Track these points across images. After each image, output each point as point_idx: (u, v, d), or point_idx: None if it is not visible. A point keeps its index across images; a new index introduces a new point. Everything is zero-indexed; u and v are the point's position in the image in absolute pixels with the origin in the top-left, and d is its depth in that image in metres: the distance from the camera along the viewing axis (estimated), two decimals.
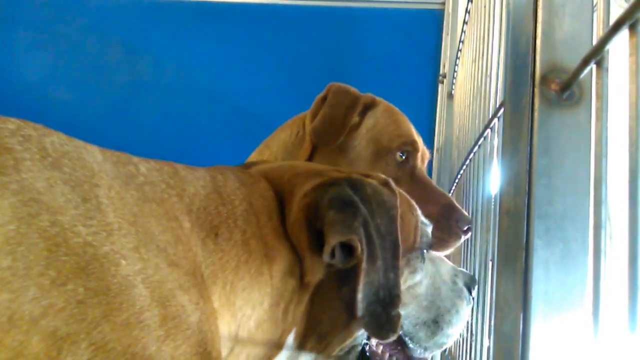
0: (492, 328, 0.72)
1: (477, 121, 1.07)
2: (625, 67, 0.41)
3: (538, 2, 0.54)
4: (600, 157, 0.44)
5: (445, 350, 1.32)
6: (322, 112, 1.04)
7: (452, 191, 1.55)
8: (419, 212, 0.81)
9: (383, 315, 0.64)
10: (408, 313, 0.79)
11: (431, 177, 2.09)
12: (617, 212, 0.96)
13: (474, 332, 0.97)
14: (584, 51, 0.47)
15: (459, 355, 1.16)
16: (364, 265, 0.62)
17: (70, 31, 2.24)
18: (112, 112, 2.18)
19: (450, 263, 0.90)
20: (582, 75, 0.48)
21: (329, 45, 2.20)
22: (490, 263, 0.88)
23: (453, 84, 1.80)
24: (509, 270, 0.56)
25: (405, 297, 0.75)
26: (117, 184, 0.52)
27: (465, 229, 0.96)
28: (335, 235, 0.61)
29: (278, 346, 0.67)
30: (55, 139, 0.52)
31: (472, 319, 1.01)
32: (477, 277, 0.98)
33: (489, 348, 0.85)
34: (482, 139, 0.98)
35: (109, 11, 2.24)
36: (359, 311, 0.62)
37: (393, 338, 0.66)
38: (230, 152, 2.16)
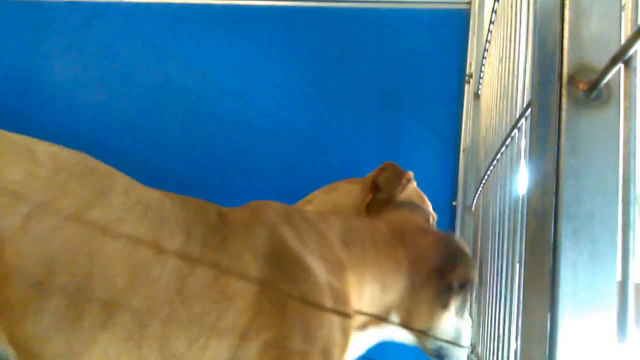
0: (519, 330, 0.71)
1: (504, 121, 1.06)
2: None
3: (565, 2, 0.54)
4: (629, 156, 0.44)
5: (472, 351, 1.31)
6: (386, 174, 1.54)
7: (479, 191, 1.54)
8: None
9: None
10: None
11: (457, 178, 2.08)
12: None
13: (501, 333, 0.97)
14: (612, 51, 0.47)
15: (486, 357, 1.15)
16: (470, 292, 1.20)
17: (100, 36, 2.28)
18: (141, 114, 2.22)
19: None
20: (610, 75, 0.48)
21: (355, 47, 2.20)
22: (517, 265, 0.87)
23: (479, 83, 1.78)
24: (536, 271, 0.56)
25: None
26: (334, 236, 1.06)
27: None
28: (462, 277, 1.12)
29: (385, 315, 1.09)
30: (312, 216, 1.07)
31: (499, 321, 1.00)
32: (504, 278, 0.97)
33: (515, 350, 0.85)
34: (509, 139, 0.97)
35: (137, 16, 2.28)
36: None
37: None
38: (256, 153, 2.18)
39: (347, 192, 1.55)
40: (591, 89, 0.50)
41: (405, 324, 1.12)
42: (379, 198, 1.48)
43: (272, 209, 0.99)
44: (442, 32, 2.17)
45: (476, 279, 1.13)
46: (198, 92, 2.23)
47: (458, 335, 1.20)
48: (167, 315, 0.80)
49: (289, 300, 0.86)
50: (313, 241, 0.98)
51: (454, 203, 2.05)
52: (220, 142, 2.19)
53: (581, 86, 0.51)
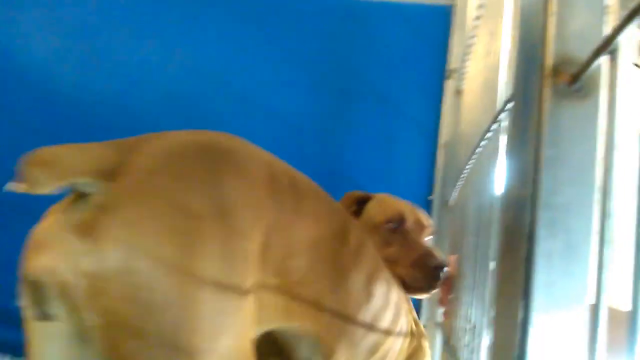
0: (493, 319, 0.72)
1: (485, 116, 1.07)
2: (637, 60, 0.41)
3: None
4: (610, 148, 0.44)
5: (445, 341, 1.32)
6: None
7: (458, 187, 1.55)
8: None
9: None
10: None
11: (435, 173, 2.09)
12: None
13: (473, 325, 0.98)
14: (596, 43, 0.47)
15: (458, 348, 1.16)
16: None
17: (76, 11, 2.22)
18: (117, 94, 2.17)
19: None
20: (592, 67, 0.48)
21: (338, 38, 2.18)
22: (491, 256, 0.88)
23: (462, 79, 1.79)
24: (510, 261, 0.57)
25: None
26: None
27: (440, 272, 1.19)
28: None
29: None
30: None
31: (473, 310, 1.01)
32: (478, 271, 0.98)
33: (489, 340, 0.86)
34: (490, 132, 0.98)
35: None
36: None
37: None
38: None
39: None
40: (573, 81, 0.51)
41: None
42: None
43: None
44: (425, 27, 2.17)
45: None
46: (177, 75, 2.20)
47: None
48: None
49: None
50: None
51: (429, 198, 2.06)
52: (197, 126, 2.17)
53: (564, 78, 0.51)
